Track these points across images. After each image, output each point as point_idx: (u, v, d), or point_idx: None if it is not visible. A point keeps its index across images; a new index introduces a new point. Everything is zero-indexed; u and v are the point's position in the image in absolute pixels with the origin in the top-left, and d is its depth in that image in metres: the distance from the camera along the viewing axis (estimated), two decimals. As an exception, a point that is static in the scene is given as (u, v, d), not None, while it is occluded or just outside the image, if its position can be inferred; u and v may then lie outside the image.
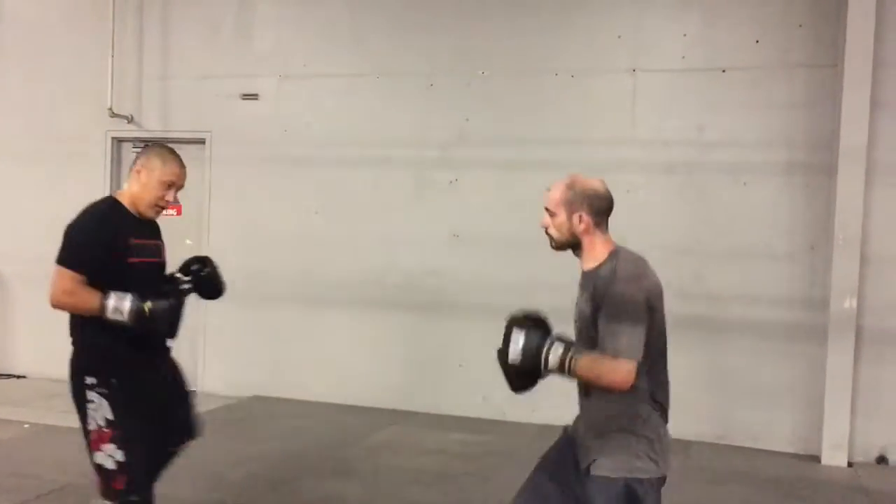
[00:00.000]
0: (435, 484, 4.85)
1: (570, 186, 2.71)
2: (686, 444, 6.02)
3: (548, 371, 2.50)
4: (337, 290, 6.97)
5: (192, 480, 4.87)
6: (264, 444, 5.72)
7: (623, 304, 2.49)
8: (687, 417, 6.17)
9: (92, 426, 3.20)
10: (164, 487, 4.70)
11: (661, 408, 2.66)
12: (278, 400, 6.97)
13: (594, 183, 2.75)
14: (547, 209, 2.73)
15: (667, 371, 2.73)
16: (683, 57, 6.26)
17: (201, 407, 6.92)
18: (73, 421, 6.39)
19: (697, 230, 6.23)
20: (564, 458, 2.69)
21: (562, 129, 6.45)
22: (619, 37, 6.38)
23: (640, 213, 6.31)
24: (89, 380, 3.25)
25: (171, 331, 3.38)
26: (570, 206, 2.68)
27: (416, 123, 6.84)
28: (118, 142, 7.66)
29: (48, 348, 7.74)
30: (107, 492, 3.18)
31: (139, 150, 7.62)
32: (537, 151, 6.49)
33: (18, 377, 7.71)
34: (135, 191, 3.37)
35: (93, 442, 3.20)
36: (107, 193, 7.43)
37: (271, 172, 7.19)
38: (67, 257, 3.21)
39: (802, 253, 6.01)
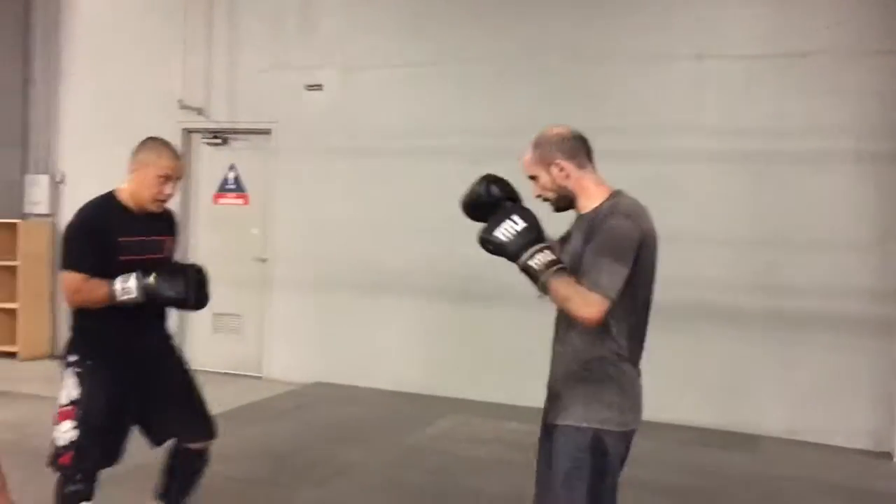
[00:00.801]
0: (492, 473, 4.85)
1: (536, 144, 2.64)
2: (755, 439, 5.90)
3: (524, 264, 2.41)
4: (397, 279, 7.02)
5: (255, 464, 4.98)
6: (326, 429, 5.80)
7: (614, 238, 2.38)
8: (756, 412, 6.08)
9: (61, 400, 3.31)
10: (227, 469, 4.83)
11: (634, 360, 2.53)
12: (339, 386, 7.06)
13: (558, 129, 2.67)
14: (530, 177, 2.66)
15: (646, 327, 2.60)
16: (760, 42, 6.09)
17: (266, 393, 7.09)
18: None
19: (771, 220, 6.06)
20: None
21: (631, 117, 6.35)
22: (692, 22, 6.24)
23: (710, 204, 6.19)
24: (70, 357, 3.36)
25: (199, 299, 3.46)
26: (544, 160, 2.61)
27: (481, 112, 6.81)
28: (188, 133, 7.84)
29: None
30: (52, 463, 3.32)
31: (208, 140, 7.87)
32: (604, 139, 6.27)
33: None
34: (133, 188, 3.38)
35: (57, 415, 3.32)
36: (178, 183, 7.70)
37: (335, 162, 7.26)
38: (67, 261, 3.27)
39: (880, 243, 5.80)
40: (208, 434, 3.60)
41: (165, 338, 3.66)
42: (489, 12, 6.78)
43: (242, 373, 7.59)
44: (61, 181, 8.20)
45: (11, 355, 7.85)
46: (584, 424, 2.40)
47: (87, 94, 8.10)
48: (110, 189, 3.50)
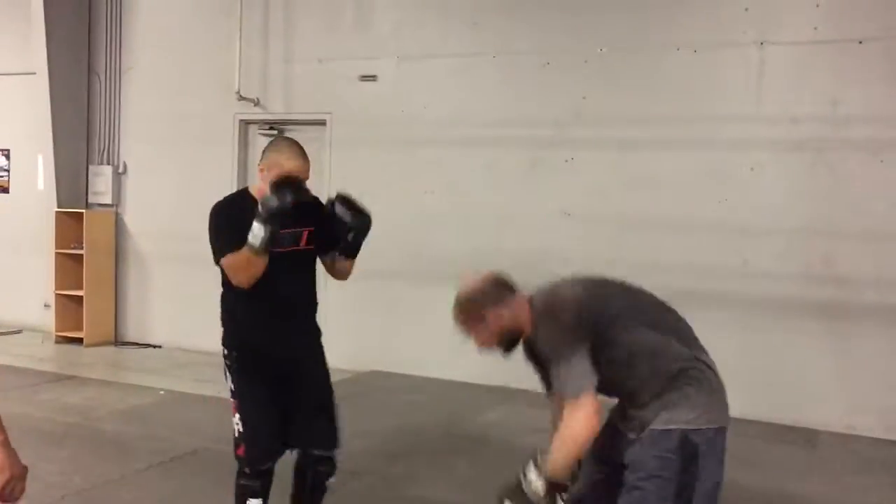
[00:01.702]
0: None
1: (462, 304, 2.63)
2: (813, 434, 5.79)
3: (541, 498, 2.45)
4: (450, 268, 7.02)
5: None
6: (381, 418, 5.87)
7: (550, 345, 2.46)
8: (814, 406, 5.96)
9: (228, 394, 3.40)
10: (286, 455, 4.92)
11: (698, 360, 2.56)
12: (394, 375, 7.13)
13: (474, 281, 2.64)
14: (475, 340, 2.66)
15: (682, 321, 2.73)
16: (815, 28, 5.94)
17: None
18: (205, 389, 6.78)
19: (827, 210, 5.92)
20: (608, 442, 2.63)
21: (683, 107, 6.26)
22: (746, 9, 6.11)
23: (766, 194, 6.08)
24: (224, 351, 3.47)
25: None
26: (476, 319, 2.60)
27: (533, 102, 6.79)
28: (245, 124, 7.97)
29: (181, 321, 8.23)
30: (235, 454, 3.41)
31: (264, 131, 7.97)
32: (656, 129, 6.33)
33: (155, 347, 8.21)
34: (262, 187, 3.32)
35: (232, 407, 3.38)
36: (234, 174, 7.87)
37: (389, 152, 7.31)
38: (216, 252, 3.36)
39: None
40: (334, 445, 3.51)
41: (311, 333, 3.64)
42: (540, 3, 6.73)
43: (298, 360, 7.71)
44: (123, 172, 8.42)
45: (78, 341, 8.13)
46: (670, 426, 2.46)
47: (147, 86, 8.30)
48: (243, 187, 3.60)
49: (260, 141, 7.97)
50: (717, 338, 6.26)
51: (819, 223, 5.93)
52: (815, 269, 5.93)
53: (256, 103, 7.80)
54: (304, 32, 7.62)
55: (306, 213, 3.40)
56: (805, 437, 5.73)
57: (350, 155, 7.46)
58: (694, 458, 2.43)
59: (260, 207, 3.11)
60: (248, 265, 3.19)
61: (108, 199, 8.41)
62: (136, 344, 8.29)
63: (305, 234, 3.42)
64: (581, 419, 2.36)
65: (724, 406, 2.57)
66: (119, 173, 8.42)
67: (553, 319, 2.48)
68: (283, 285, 3.28)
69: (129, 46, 8.35)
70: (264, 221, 3.09)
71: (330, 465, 3.48)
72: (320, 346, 3.66)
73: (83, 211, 8.22)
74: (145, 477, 4.49)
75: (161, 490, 4.31)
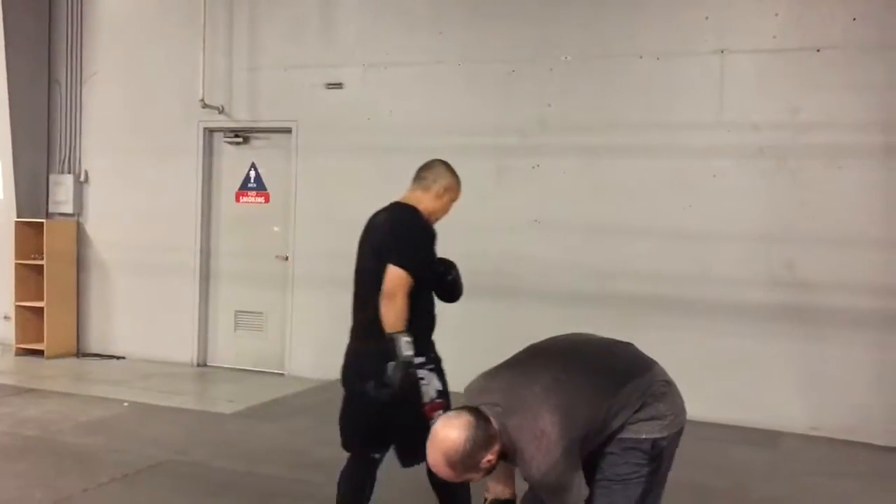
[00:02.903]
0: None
1: (452, 462, 2.32)
2: (776, 435, 5.87)
3: None
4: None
5: (280, 460, 5.03)
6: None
7: (552, 486, 2.37)
8: (777, 408, 6.05)
9: (430, 395, 3.44)
10: (250, 466, 4.88)
11: (655, 382, 2.65)
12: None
13: (454, 435, 2.30)
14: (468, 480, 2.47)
15: (629, 350, 2.76)
16: (775, 37, 6.05)
17: (288, 389, 7.16)
18: (170, 400, 6.71)
19: (788, 216, 6.03)
20: None
21: (646, 114, 6.34)
22: (707, 17, 6.21)
23: (728, 199, 6.17)
24: (419, 359, 3.44)
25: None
26: (471, 466, 2.34)
27: (498, 110, 6.82)
28: (209, 132, 7.91)
29: (145, 332, 8.12)
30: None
31: (229, 139, 7.88)
32: (620, 137, 6.40)
33: (118, 358, 8.09)
34: (433, 206, 3.64)
35: (427, 409, 3.39)
36: (199, 182, 7.80)
37: (355, 160, 7.29)
38: (413, 266, 3.51)
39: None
40: (404, 463, 3.62)
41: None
42: (505, 10, 6.78)
43: (265, 369, 7.66)
44: (85, 180, 8.30)
45: (39, 353, 7.98)
46: (638, 436, 2.56)
47: (110, 94, 8.20)
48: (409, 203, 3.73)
49: (225, 149, 7.91)
50: (681, 342, 6.38)
51: (780, 229, 6.04)
52: (776, 275, 6.03)
53: (221, 111, 7.74)
54: (269, 40, 7.59)
55: None
56: (769, 439, 5.81)
57: (316, 163, 7.44)
58: (660, 458, 2.59)
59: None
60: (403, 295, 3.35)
61: (69, 209, 8.29)
62: (99, 355, 8.16)
63: None
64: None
65: (683, 410, 2.71)
66: (81, 182, 8.30)
67: (547, 453, 2.32)
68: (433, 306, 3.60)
69: (91, 53, 8.24)
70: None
71: None
72: None
73: (43, 221, 8.08)
74: (108, 490, 4.41)
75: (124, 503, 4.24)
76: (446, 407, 3.31)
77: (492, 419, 2.35)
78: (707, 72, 6.22)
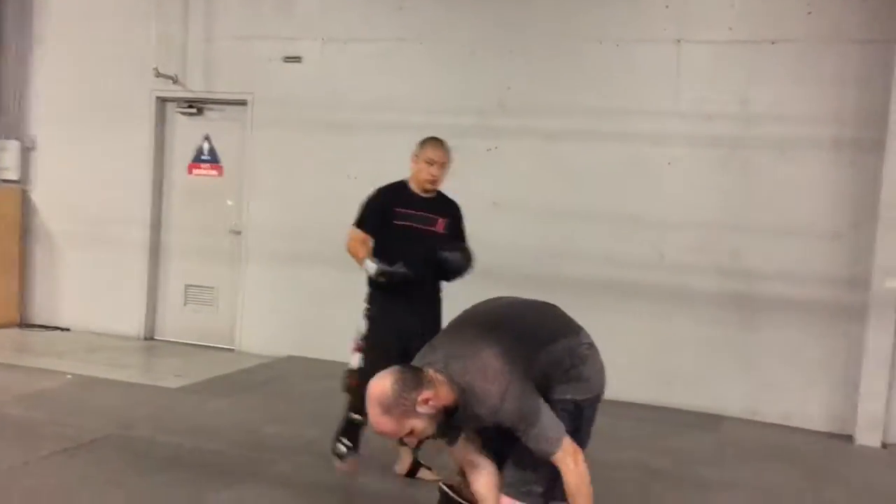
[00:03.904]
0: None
1: (386, 409, 2.38)
2: (717, 420, 6.01)
3: None
4: (373, 255, 7.01)
5: (227, 436, 4.99)
6: (297, 402, 5.83)
7: (519, 412, 2.45)
8: (719, 393, 6.18)
9: (358, 336, 4.30)
10: (197, 441, 4.84)
11: (582, 344, 2.74)
12: (312, 360, 7.07)
13: (382, 383, 2.41)
14: (411, 436, 2.48)
15: (557, 313, 2.85)
16: (730, 28, 6.13)
17: (238, 365, 7.10)
18: (115, 374, 6.60)
19: (739, 206, 6.14)
20: None
21: (604, 99, 6.38)
22: (667, 6, 6.26)
23: (680, 187, 6.26)
24: (365, 305, 4.30)
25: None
26: (407, 411, 2.39)
27: (457, 90, 6.80)
28: (163, 101, 7.75)
29: (92, 304, 7.97)
30: (344, 387, 4.36)
31: (183, 109, 7.79)
32: (578, 121, 6.43)
33: (63, 329, 7.93)
34: (413, 171, 4.30)
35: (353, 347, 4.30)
36: (151, 152, 7.65)
37: (311, 135, 7.22)
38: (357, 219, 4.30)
39: (846, 231, 5.90)
40: None
41: (434, 291, 4.33)
42: (469, -11, 6.76)
43: (215, 345, 7.58)
44: (32, 147, 8.08)
45: (-20, 322, 7.78)
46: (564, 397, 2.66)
47: (59, 59, 7.97)
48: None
49: (178, 120, 7.76)
50: (629, 325, 6.48)
51: (729, 218, 6.15)
52: (724, 263, 6.15)
53: (175, 80, 7.58)
54: (226, 10, 7.43)
55: (435, 205, 4.29)
56: (710, 423, 5.94)
57: (272, 136, 7.34)
58: (580, 420, 2.67)
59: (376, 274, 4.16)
60: (355, 257, 4.38)
61: (15, 175, 8.05)
62: (44, 327, 7.99)
63: (438, 220, 4.25)
64: (577, 464, 2.50)
65: (603, 376, 2.79)
66: (27, 148, 8.07)
67: (502, 387, 2.42)
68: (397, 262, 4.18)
69: (41, 16, 7.98)
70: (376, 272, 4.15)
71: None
72: (440, 299, 4.44)
73: (-18, 187, 7.85)
74: (50, 463, 4.34)
75: (65, 476, 4.17)
76: (363, 350, 4.20)
77: (429, 371, 2.46)
78: (664, 60, 6.28)
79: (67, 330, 7.91)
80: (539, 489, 2.61)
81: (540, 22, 6.57)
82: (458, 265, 4.12)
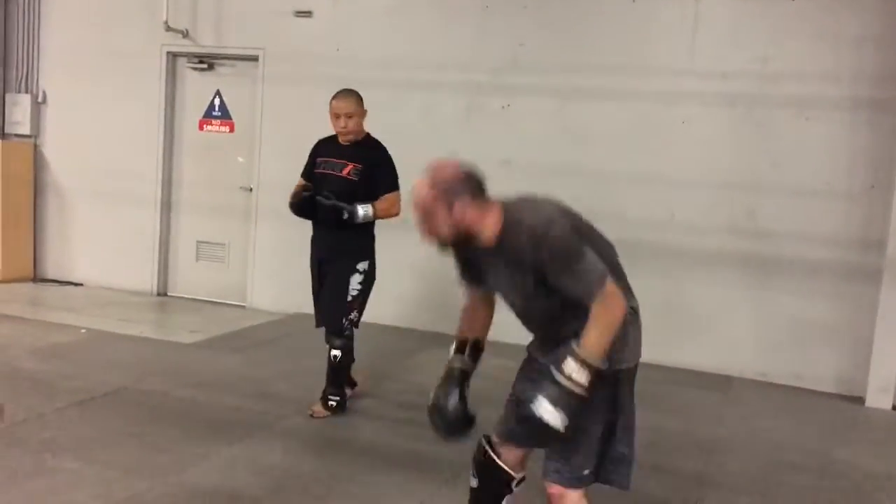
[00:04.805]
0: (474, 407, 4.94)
1: (434, 184, 2.44)
2: (727, 380, 6.02)
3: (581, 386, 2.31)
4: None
5: (239, 390, 5.04)
6: (307, 358, 5.86)
7: (562, 247, 2.37)
8: (729, 353, 6.18)
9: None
10: (207, 395, 4.90)
11: (632, 309, 2.57)
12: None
13: (452, 167, 2.49)
14: (429, 225, 2.47)
15: (624, 277, 2.68)
16: (748, -17, 6.01)
17: (248, 321, 7.14)
18: (128, 328, 6.66)
19: (754, 165, 6.07)
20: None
21: (619, 56, 6.28)
22: (684, -40, 6.14)
23: (695, 146, 6.18)
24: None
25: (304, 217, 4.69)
26: (446, 200, 2.42)
27: (470, 46, 6.71)
28: (173, 56, 7.69)
29: (104, 259, 8.01)
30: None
31: (193, 64, 7.73)
32: (592, 78, 6.34)
33: (76, 285, 7.98)
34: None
35: None
36: (162, 107, 7.61)
37: (323, 91, 7.08)
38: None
39: (862, 192, 5.83)
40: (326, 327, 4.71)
41: (341, 243, 4.62)
42: (483, -58, 6.63)
43: (226, 301, 7.62)
44: (43, 101, 8.06)
45: (-7, 277, 7.84)
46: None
47: (70, 12, 7.90)
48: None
49: (189, 75, 7.71)
50: (640, 285, 6.42)
51: (744, 177, 6.08)
52: (738, 222, 6.10)
53: (185, 35, 7.51)
54: (237, -37, 7.33)
55: (351, 152, 4.62)
56: (720, 384, 5.95)
57: (283, 92, 7.28)
58: (614, 391, 2.52)
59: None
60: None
61: (26, 130, 8.05)
62: (57, 281, 8.05)
63: (345, 164, 4.59)
64: (613, 302, 2.36)
65: (639, 348, 2.64)
66: (38, 103, 8.05)
67: (551, 221, 2.42)
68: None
69: (50, -31, 7.91)
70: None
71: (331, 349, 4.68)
72: (351, 250, 4.69)
73: (-1, 141, 7.85)
74: (65, 415, 4.39)
75: (81, 429, 4.23)
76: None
77: (489, 197, 2.51)
78: (682, 17, 6.16)
79: (81, 285, 7.97)
80: (587, 471, 2.53)
81: (555, -23, 6.46)
82: (327, 210, 4.46)
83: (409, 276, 6.87)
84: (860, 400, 5.72)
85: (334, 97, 4.64)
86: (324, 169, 4.64)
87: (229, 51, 7.48)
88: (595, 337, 2.33)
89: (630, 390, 2.61)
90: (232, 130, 7.66)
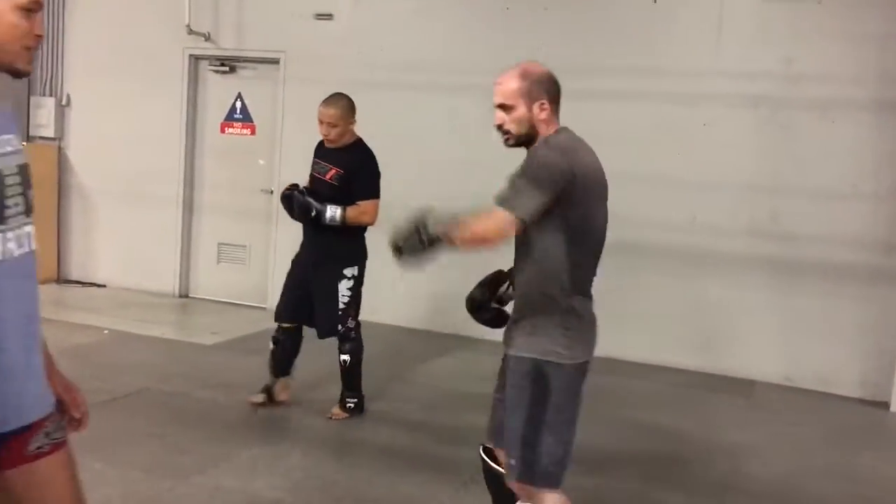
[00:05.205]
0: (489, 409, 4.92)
1: (525, 75, 2.59)
2: (750, 384, 5.97)
3: (431, 241, 2.47)
4: (403, 214, 6.99)
5: (256, 391, 5.05)
6: (326, 360, 5.84)
7: (537, 166, 2.46)
8: (754, 357, 6.13)
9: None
10: (227, 397, 4.91)
11: (584, 297, 2.58)
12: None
13: (542, 68, 2.66)
14: (502, 105, 2.59)
15: (595, 267, 2.66)
16: (773, -16, 5.96)
17: (269, 323, 7.14)
18: (151, 329, 6.69)
19: (777, 167, 6.01)
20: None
21: (642, 58, 6.24)
22: (707, -39, 6.10)
23: (718, 148, 6.13)
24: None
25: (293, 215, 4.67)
26: (529, 95, 2.57)
27: (491, 48, 6.69)
28: (195, 59, 7.74)
29: (127, 260, 8.07)
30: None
31: (215, 67, 7.77)
32: (615, 81, 6.31)
33: (99, 286, 8.05)
34: None
35: None
36: (184, 110, 7.67)
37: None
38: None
39: (889, 194, 5.76)
40: (320, 334, 4.73)
41: (326, 247, 4.62)
42: (504, -56, 6.62)
43: (246, 303, 7.65)
44: (67, 104, 8.14)
45: (18, 278, 7.91)
46: (526, 355, 2.53)
47: (93, 16, 7.98)
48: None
49: (210, 77, 7.76)
50: (662, 288, 6.41)
51: (768, 180, 6.02)
52: (761, 225, 6.04)
53: (207, 38, 7.56)
54: (259, -34, 7.37)
55: (338, 156, 4.65)
56: (743, 388, 5.90)
57: (304, 94, 7.25)
58: (546, 393, 2.50)
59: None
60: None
61: (50, 132, 8.13)
62: (80, 283, 8.12)
63: (330, 169, 4.62)
64: (494, 220, 2.45)
65: (581, 348, 2.59)
66: (62, 105, 8.13)
67: (555, 156, 2.48)
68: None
69: (74, -27, 7.99)
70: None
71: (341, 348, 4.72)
72: (335, 255, 4.69)
73: (23, 144, 7.91)
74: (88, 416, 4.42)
75: (104, 429, 4.21)
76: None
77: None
78: (706, 18, 6.12)
79: (103, 286, 8.03)
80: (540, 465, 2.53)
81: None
82: (295, 204, 4.54)
83: (423, 278, 6.86)
84: (885, 405, 5.64)
85: (322, 103, 4.67)
86: (315, 171, 4.71)
87: (250, 54, 7.52)
88: (466, 221, 2.46)
89: (572, 393, 2.56)
90: (253, 133, 7.70)
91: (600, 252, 2.66)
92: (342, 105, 4.62)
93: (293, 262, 4.82)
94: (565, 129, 2.64)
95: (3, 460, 1.73)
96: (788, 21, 5.93)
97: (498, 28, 6.67)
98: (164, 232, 7.84)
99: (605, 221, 2.65)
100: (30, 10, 1.68)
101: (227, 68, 7.67)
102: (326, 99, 4.65)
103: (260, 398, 4.72)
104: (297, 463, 4.00)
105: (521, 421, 2.51)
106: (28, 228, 1.76)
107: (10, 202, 1.69)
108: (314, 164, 4.74)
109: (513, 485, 2.60)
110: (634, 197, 6.24)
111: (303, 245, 4.78)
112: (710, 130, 6.15)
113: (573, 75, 6.35)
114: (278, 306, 4.79)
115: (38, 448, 1.79)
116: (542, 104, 2.57)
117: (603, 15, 6.39)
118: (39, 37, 1.74)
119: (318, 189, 4.58)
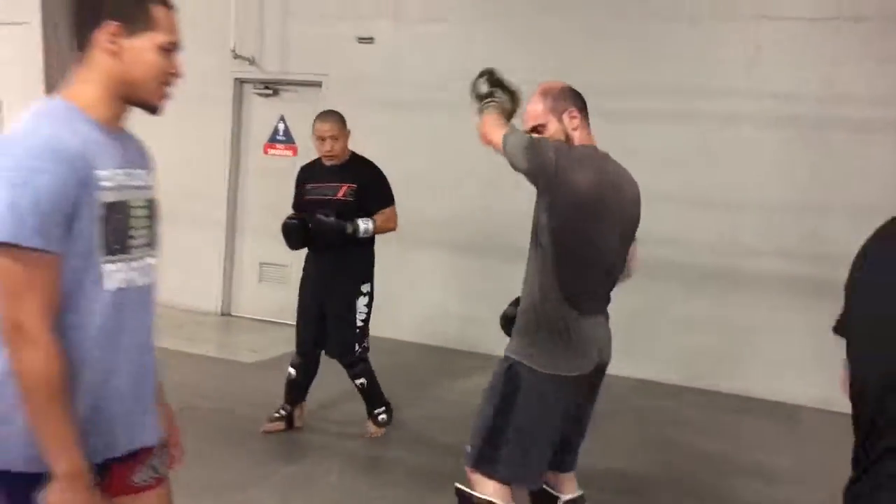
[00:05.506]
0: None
1: (546, 93, 2.74)
2: (795, 409, 5.88)
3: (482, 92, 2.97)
4: (437, 232, 7.06)
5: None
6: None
7: (544, 141, 2.60)
8: (793, 380, 6.05)
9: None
10: (265, 414, 4.99)
11: (580, 314, 2.60)
12: (379, 339, 7.13)
13: (563, 83, 2.80)
14: (535, 128, 2.72)
15: (600, 286, 2.72)
16: (814, 5, 5.92)
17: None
18: (191, 347, 6.82)
19: (816, 188, 5.96)
20: None
21: (677, 79, 6.24)
22: (746, -18, 6.09)
23: (754, 169, 6.10)
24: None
25: (293, 245, 4.69)
26: (556, 109, 2.70)
27: (529, 71, 6.68)
28: (240, 83, 7.92)
29: (170, 279, 8.20)
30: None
31: (259, 91, 7.92)
32: (650, 101, 6.32)
33: (146, 304, 8.21)
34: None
35: None
36: (229, 133, 7.84)
37: (383, 116, 7.28)
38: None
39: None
40: (331, 355, 4.71)
41: (341, 265, 4.60)
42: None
43: (287, 322, 7.72)
44: (117, 127, 8.36)
45: None
46: (508, 353, 2.65)
47: (142, 41, 8.20)
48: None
49: (255, 101, 7.93)
50: (699, 310, 6.36)
51: (806, 200, 5.97)
52: (800, 246, 5.98)
53: (252, 62, 7.74)
54: (302, -10, 7.54)
55: (341, 173, 4.59)
56: (784, 412, 5.82)
57: (346, 118, 7.41)
58: (515, 393, 2.57)
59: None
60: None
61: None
62: (127, 300, 8.30)
63: (339, 187, 4.54)
64: (493, 134, 2.76)
65: (574, 361, 2.62)
66: (112, 129, 8.36)
67: (581, 161, 2.62)
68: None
69: (124, 0, 8.23)
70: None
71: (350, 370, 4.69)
72: (352, 275, 4.71)
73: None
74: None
75: (148, 445, 4.36)
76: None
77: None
78: (743, 38, 6.11)
79: (151, 305, 8.19)
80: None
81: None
82: (327, 228, 4.39)
83: (438, 293, 6.93)
84: (931, 431, 5.51)
85: (317, 119, 4.61)
86: (316, 195, 4.57)
87: (293, 77, 7.68)
88: (492, 115, 2.86)
89: (534, 391, 2.58)
90: (295, 154, 7.84)
91: (606, 272, 2.70)
92: (338, 118, 4.60)
93: (301, 290, 4.76)
94: (593, 147, 2.72)
95: (107, 486, 1.76)
96: (826, 41, 5.90)
97: (535, 51, 6.72)
98: (208, 251, 8.00)
99: (614, 242, 2.69)
100: (169, 50, 1.76)
101: (270, 91, 7.84)
102: (322, 115, 4.62)
103: (280, 426, 4.70)
104: (335, 482, 4.05)
105: (487, 414, 2.61)
106: (151, 261, 1.83)
107: (135, 234, 1.76)
108: (312, 188, 4.60)
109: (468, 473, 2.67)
110: (671, 216, 6.23)
111: (309, 271, 4.74)
112: (746, 150, 6.12)
113: (608, 95, 6.44)
114: (299, 336, 4.74)
115: (143, 480, 1.84)
116: (571, 112, 2.69)
117: (639, 35, 6.41)
118: (176, 75, 1.82)
119: (322, 211, 4.49)
